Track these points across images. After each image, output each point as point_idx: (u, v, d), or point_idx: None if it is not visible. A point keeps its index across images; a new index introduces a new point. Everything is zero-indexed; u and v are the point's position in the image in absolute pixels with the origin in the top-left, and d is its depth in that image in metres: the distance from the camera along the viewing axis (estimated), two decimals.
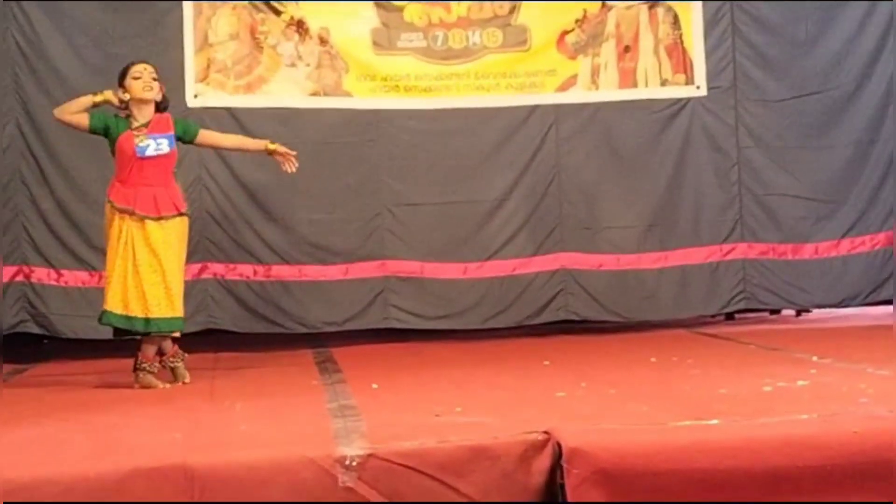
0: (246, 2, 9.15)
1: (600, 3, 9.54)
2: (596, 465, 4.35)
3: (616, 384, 6.25)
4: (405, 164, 9.34)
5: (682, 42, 9.59)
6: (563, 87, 9.48)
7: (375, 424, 5.02)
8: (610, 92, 9.55)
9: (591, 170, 9.54)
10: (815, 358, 6.98)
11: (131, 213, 6.94)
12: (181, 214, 7.11)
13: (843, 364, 6.66)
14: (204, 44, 9.10)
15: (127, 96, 7.12)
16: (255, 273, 9.07)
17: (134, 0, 8.96)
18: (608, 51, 9.56)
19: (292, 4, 9.20)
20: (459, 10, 9.42)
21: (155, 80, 7.19)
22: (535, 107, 9.46)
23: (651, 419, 4.91)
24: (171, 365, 7.16)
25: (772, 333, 9.12)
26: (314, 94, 9.22)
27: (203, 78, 9.08)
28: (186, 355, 7.26)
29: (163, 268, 6.92)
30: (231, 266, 9.04)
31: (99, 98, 7.10)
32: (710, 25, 9.58)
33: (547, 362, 7.47)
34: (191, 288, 8.91)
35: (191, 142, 7.40)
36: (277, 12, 9.19)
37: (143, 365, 7.01)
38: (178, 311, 7.03)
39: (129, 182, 7.02)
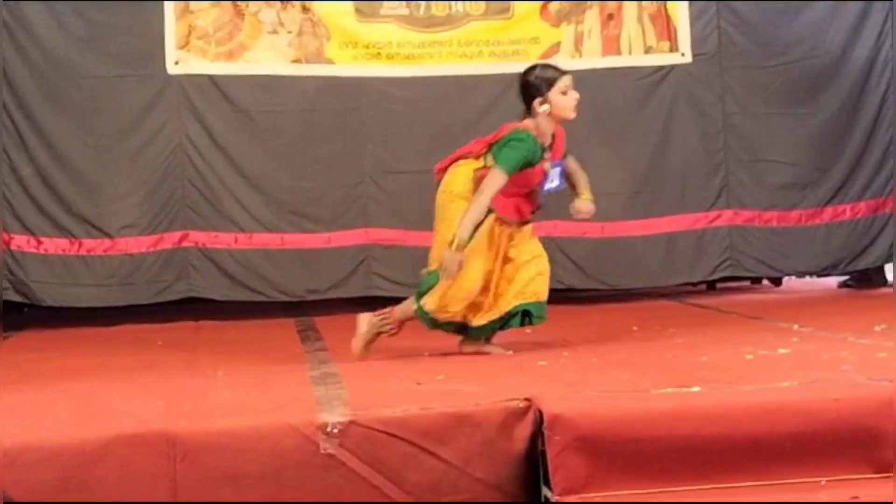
0: None
1: None
2: (577, 431, 4.36)
3: (598, 352, 6.26)
4: (388, 132, 9.32)
5: (665, 9, 9.56)
6: (547, 55, 9.43)
7: (357, 392, 5.02)
8: (594, 59, 9.52)
9: (574, 137, 9.39)
10: (796, 326, 6.99)
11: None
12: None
13: (824, 333, 6.68)
14: (185, 10, 9.05)
15: (546, 108, 6.37)
16: (237, 241, 9.04)
17: None
18: (592, 18, 9.53)
19: None
20: None
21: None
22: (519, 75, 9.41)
23: (632, 386, 4.91)
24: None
25: (753, 303, 9.14)
26: (296, 61, 9.18)
27: (184, 45, 9.03)
28: None
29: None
30: (212, 234, 9.02)
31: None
32: None
33: (528, 331, 7.47)
34: (171, 256, 8.93)
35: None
36: None
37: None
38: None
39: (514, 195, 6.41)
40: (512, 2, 9.43)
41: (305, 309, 9.09)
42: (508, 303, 6.41)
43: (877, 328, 6.67)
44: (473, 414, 4.50)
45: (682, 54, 9.56)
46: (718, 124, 9.58)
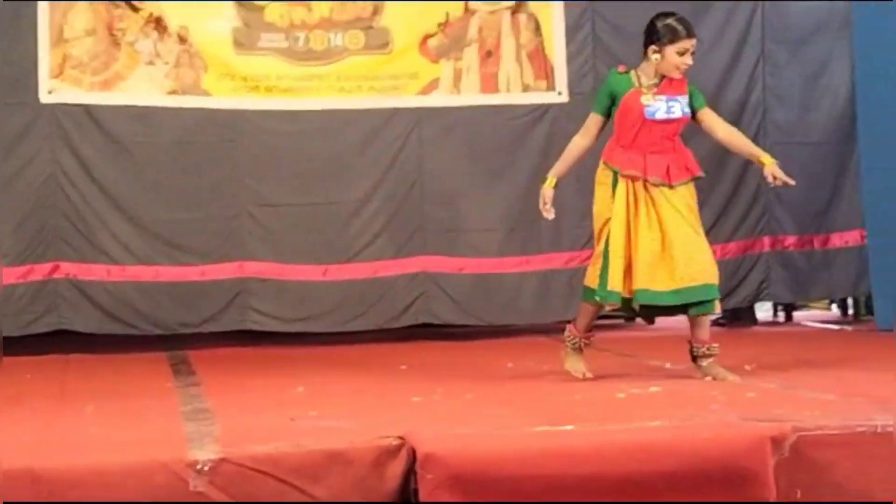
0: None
1: (463, 7, 9.56)
2: (450, 470, 4.35)
3: (473, 389, 6.27)
4: (265, 165, 9.28)
5: (543, 48, 9.64)
6: (426, 91, 9.48)
7: (229, 428, 4.97)
8: (472, 96, 9.57)
9: (453, 173, 9.56)
10: (668, 365, 7.06)
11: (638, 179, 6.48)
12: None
13: (696, 371, 6.73)
14: (59, 39, 8.94)
15: (657, 58, 6.50)
16: (110, 273, 8.93)
17: None
18: (470, 55, 9.58)
19: (152, 2, 9.08)
20: (321, 10, 9.37)
21: (693, 53, 6.55)
22: (397, 110, 9.45)
23: (506, 424, 4.93)
24: (699, 353, 6.51)
25: (626, 340, 9.21)
26: (172, 92, 9.11)
27: (58, 74, 8.93)
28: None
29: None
30: (84, 266, 8.90)
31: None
32: (571, 32, 9.64)
33: (404, 366, 7.47)
34: (41, 288, 8.80)
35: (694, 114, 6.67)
36: (136, 9, 9.05)
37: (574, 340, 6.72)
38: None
39: (634, 146, 6.52)
40: (391, 36, 9.43)
41: (179, 343, 9.00)
42: (677, 281, 6.39)
43: (746, 367, 6.77)
44: (346, 451, 4.47)
45: (559, 93, 9.64)
46: (592, 164, 9.64)
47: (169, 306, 9.06)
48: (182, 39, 9.12)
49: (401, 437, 4.53)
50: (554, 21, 9.65)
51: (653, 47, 6.51)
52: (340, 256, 9.36)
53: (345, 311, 9.34)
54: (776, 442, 4.55)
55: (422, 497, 4.35)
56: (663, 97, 6.47)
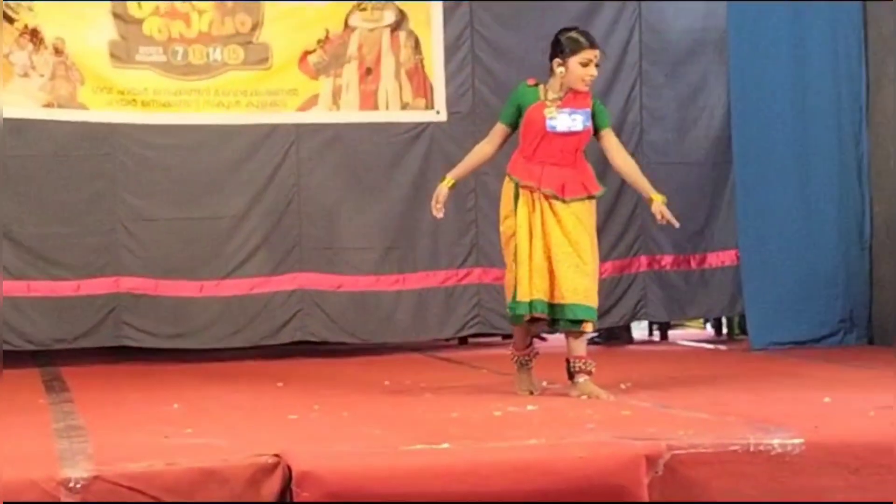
0: None
1: (343, 24, 9.55)
2: (326, 488, 4.34)
3: (349, 407, 6.26)
4: (142, 179, 9.20)
5: (423, 66, 9.67)
6: (305, 107, 9.47)
7: (102, 446, 4.92)
8: (351, 113, 9.57)
9: (331, 190, 9.55)
10: (545, 383, 7.09)
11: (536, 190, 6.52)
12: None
13: (571, 389, 6.79)
14: None
15: (561, 71, 6.55)
16: None
17: None
18: (350, 72, 9.58)
19: (27, 12, 8.96)
20: (201, 25, 9.31)
21: (597, 66, 6.61)
22: (276, 125, 9.43)
23: (383, 443, 4.92)
24: (575, 368, 6.57)
25: (503, 359, 9.14)
26: (48, 105, 9.00)
27: None
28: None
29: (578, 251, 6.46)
30: None
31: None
32: (450, 51, 9.69)
33: (280, 384, 7.44)
34: None
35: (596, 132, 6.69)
36: (11, 20, 8.92)
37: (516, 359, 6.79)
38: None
39: (534, 158, 6.57)
40: (271, 52, 9.40)
41: (52, 359, 8.88)
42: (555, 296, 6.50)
43: (622, 385, 6.84)
44: (221, 469, 4.44)
45: (438, 112, 9.68)
46: (470, 184, 9.69)
47: (42, 322, 8.94)
48: (58, 51, 9.01)
49: (277, 455, 4.50)
50: (433, 40, 9.69)
51: (557, 60, 6.58)
52: (217, 273, 9.30)
53: (221, 327, 9.29)
54: (650, 460, 4.60)
55: None
56: (566, 110, 6.54)
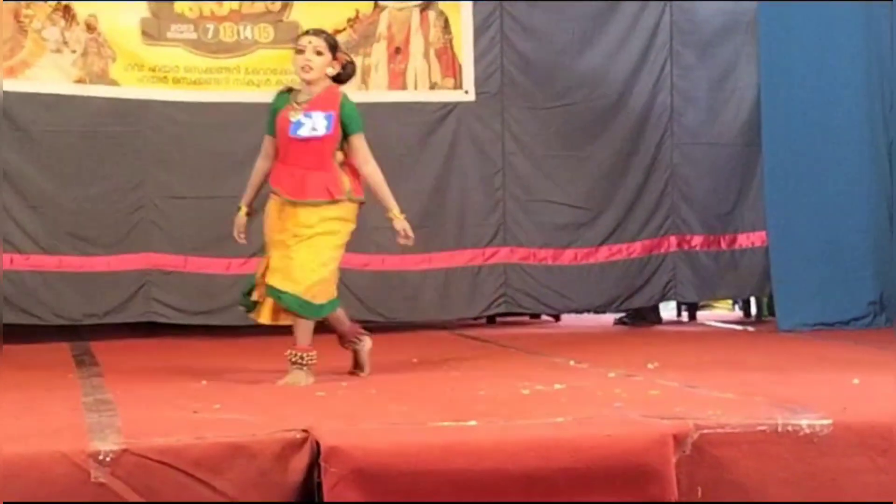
0: None
1: (372, 3, 9.56)
2: (353, 464, 4.36)
3: (377, 384, 6.28)
4: (172, 157, 9.22)
5: (451, 46, 9.67)
6: None
7: (131, 419, 4.94)
8: (379, 93, 9.57)
9: None
10: (572, 362, 7.11)
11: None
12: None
13: (599, 369, 6.80)
14: None
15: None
16: (13, 262, 8.82)
17: None
18: (379, 52, 9.58)
19: None
20: (231, 3, 9.33)
21: (319, 53, 6.45)
22: None
23: (410, 419, 4.94)
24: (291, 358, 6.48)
25: (531, 337, 9.26)
26: (79, 81, 9.02)
27: None
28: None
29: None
30: None
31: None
32: (479, 31, 9.68)
33: None
34: None
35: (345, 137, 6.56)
36: None
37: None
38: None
39: (286, 162, 6.50)
40: (300, 31, 9.39)
41: (82, 334, 8.92)
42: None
43: (649, 366, 6.83)
44: (249, 444, 4.46)
45: (466, 92, 9.67)
46: (498, 163, 9.72)
47: (73, 297, 8.97)
48: (90, 28, 9.03)
49: (305, 431, 4.53)
50: (463, 19, 9.68)
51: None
52: (244, 250, 9.27)
53: None
54: (678, 439, 4.60)
55: (325, 490, 4.36)
56: (311, 113, 6.44)
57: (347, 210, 6.57)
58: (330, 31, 9.30)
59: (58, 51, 9.00)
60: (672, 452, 4.58)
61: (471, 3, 9.66)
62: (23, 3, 8.93)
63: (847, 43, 9.29)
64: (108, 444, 4.37)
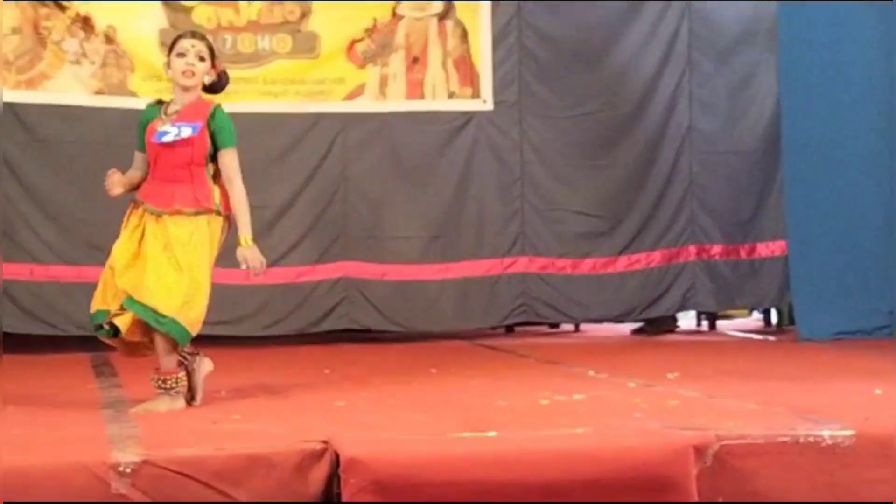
0: None
1: (391, 13, 9.56)
2: (373, 475, 4.34)
3: (396, 394, 6.26)
4: None
5: (469, 56, 9.66)
6: (352, 96, 9.49)
7: (151, 430, 4.94)
8: (397, 103, 9.59)
9: (376, 179, 9.56)
10: (591, 372, 7.09)
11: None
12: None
13: (619, 379, 6.78)
14: None
15: (169, 74, 6.01)
16: (32, 273, 8.85)
17: None
18: (397, 61, 9.59)
19: (79, 1, 9.02)
20: (249, 13, 9.35)
21: (202, 59, 5.95)
22: (323, 114, 9.45)
23: (430, 430, 4.93)
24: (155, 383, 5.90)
25: (550, 347, 9.24)
26: (98, 92, 9.06)
27: None
28: None
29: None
30: (7, 265, 8.78)
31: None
32: (497, 40, 9.68)
33: (327, 371, 7.45)
34: None
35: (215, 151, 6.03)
36: (63, 8, 9.00)
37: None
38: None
39: (154, 175, 6.02)
40: (318, 41, 9.42)
41: (101, 344, 8.88)
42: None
43: (669, 375, 6.80)
44: (269, 455, 4.45)
45: (484, 101, 9.68)
46: (517, 172, 9.71)
47: None
48: (109, 39, 9.06)
49: (324, 441, 4.52)
50: (481, 28, 9.68)
51: (165, 63, 6.10)
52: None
53: (266, 315, 9.32)
54: (699, 450, 4.58)
55: (344, 501, 4.34)
56: (179, 123, 5.94)
57: (215, 223, 6.12)
58: (349, 40, 9.42)
59: (77, 62, 9.03)
60: (693, 464, 4.55)
61: (489, 11, 9.65)
62: (42, 14, 8.95)
63: (868, 50, 9.25)
64: (128, 455, 4.36)
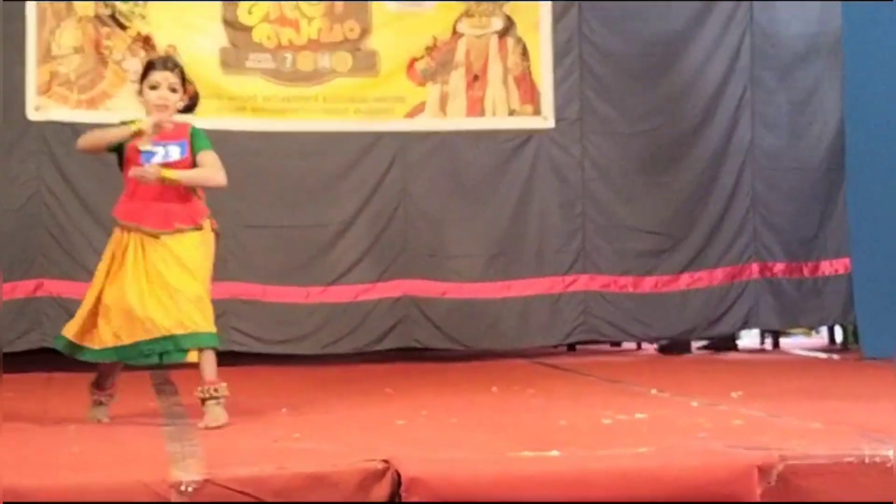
0: (92, 16, 8.99)
1: (451, 31, 9.56)
2: (434, 494, 4.32)
3: (457, 413, 6.24)
4: (249, 186, 9.22)
5: (530, 73, 9.65)
6: (412, 114, 9.48)
7: (212, 449, 4.94)
8: (458, 120, 9.58)
9: (436, 198, 9.55)
10: (654, 391, 7.04)
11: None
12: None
13: (682, 398, 6.73)
14: (47, 56, 8.93)
15: (142, 101, 6.13)
16: None
17: None
18: (457, 79, 9.59)
19: (139, 20, 9.07)
20: (310, 32, 9.37)
21: (174, 90, 6.02)
22: (383, 133, 9.45)
23: (491, 449, 4.90)
24: (203, 395, 6.03)
25: (612, 365, 9.19)
26: None
27: (45, 91, 8.92)
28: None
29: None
30: (67, 283, 8.84)
31: (134, 128, 5.98)
32: (558, 57, 9.66)
33: (388, 389, 7.44)
34: (24, 306, 8.74)
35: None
36: (123, 27, 9.05)
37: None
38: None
39: (136, 196, 6.02)
40: (378, 59, 9.43)
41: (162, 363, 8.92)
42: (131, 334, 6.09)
43: (733, 395, 6.74)
44: (330, 474, 4.43)
45: (545, 118, 9.65)
46: (578, 190, 9.68)
47: None
48: None
49: (385, 461, 4.49)
50: (542, 46, 9.66)
51: (137, 89, 6.21)
52: (323, 279, 9.34)
53: (326, 333, 9.32)
54: (763, 470, 4.53)
55: None
56: (161, 143, 5.97)
57: (209, 238, 6.26)
58: (409, 58, 9.42)
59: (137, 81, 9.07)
60: (757, 484, 4.50)
61: (549, 28, 9.63)
62: (103, 34, 9.01)
63: None
64: (189, 474, 4.35)
